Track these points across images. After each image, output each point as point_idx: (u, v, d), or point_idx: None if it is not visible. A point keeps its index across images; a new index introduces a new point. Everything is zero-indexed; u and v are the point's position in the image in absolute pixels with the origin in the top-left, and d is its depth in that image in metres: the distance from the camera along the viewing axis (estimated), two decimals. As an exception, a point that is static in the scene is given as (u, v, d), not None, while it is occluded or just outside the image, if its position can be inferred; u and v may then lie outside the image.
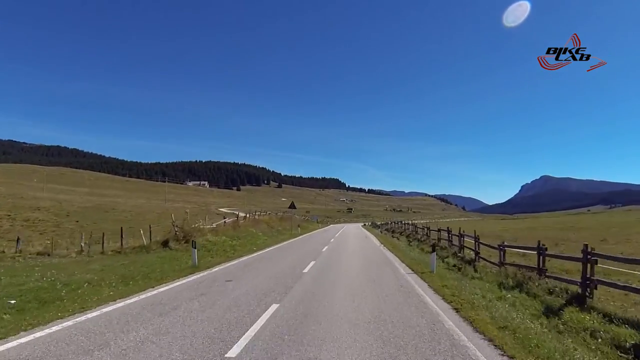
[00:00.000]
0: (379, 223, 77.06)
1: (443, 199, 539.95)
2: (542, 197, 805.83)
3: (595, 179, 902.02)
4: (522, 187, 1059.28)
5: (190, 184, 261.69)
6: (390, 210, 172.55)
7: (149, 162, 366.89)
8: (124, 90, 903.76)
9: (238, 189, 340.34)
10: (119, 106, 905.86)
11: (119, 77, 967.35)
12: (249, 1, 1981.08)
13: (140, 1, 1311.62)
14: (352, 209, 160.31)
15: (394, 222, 59.93)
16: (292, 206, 37.90)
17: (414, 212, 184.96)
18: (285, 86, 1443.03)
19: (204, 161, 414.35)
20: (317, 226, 63.57)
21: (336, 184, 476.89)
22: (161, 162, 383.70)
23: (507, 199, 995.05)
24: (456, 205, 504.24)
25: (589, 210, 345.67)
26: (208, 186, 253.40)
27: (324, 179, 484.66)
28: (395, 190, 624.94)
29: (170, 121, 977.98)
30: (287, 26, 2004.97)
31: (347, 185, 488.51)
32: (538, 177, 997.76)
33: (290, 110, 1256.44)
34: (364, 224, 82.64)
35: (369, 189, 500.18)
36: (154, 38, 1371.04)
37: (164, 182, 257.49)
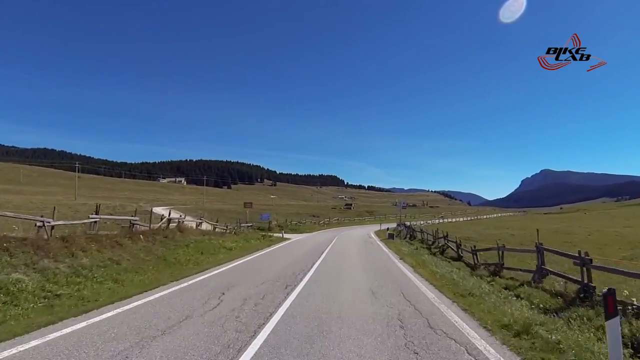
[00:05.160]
0: (423, 223, 33.75)
1: (446, 194, 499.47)
2: (544, 191, 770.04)
3: (596, 172, 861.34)
4: (522, 181, 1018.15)
5: (165, 180, 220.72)
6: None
7: (136, 162, 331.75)
8: (119, 94, 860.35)
9: (229, 187, 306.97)
10: (113, 110, 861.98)
11: (115, 81, 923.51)
12: (244, 4, 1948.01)
13: (133, 5, 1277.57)
14: (351, 205, 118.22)
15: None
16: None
17: (430, 207, 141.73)
18: (283, 87, 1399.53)
19: (194, 160, 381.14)
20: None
21: (334, 182, 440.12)
22: (149, 161, 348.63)
23: (507, 194, 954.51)
24: (460, 200, 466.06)
25: (604, 203, 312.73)
26: (185, 183, 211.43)
27: (321, 176, 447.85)
28: (394, 187, 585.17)
29: (167, 124, 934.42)
30: (285, 28, 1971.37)
31: (345, 183, 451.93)
32: (538, 171, 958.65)
33: (288, 111, 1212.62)
34: (391, 234, 31.90)
35: (368, 186, 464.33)
36: (148, 41, 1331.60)
37: (131, 179, 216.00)
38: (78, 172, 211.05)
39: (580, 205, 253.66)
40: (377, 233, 39.24)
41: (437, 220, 66.02)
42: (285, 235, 33.46)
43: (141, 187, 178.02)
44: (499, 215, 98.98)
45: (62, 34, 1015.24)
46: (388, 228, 40.21)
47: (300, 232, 41.81)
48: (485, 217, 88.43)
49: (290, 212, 77.95)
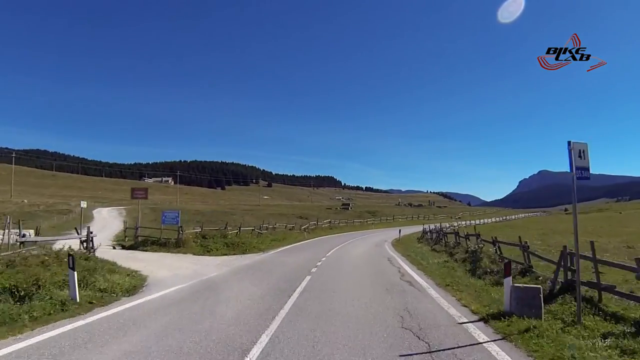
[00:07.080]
0: (449, 226, 16.53)
1: (445, 195, 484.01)
2: (542, 192, 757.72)
3: (594, 173, 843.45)
4: (519, 182, 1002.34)
5: (151, 180, 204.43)
6: (405, 206, 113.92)
7: (129, 163, 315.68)
8: (116, 98, 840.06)
9: (222, 188, 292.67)
10: (109, 113, 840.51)
11: (114, 85, 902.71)
12: (244, 10, 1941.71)
13: (127, 15, 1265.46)
14: (349, 205, 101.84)
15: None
16: None
17: (437, 207, 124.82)
18: (284, 92, 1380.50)
19: (188, 161, 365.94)
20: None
21: (332, 182, 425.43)
22: (141, 162, 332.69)
23: (505, 195, 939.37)
24: (460, 201, 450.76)
25: (607, 203, 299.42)
26: (172, 183, 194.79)
27: (318, 177, 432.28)
28: (392, 189, 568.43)
29: (164, 127, 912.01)
30: (288, 31, 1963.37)
31: (343, 184, 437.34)
32: (536, 172, 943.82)
33: (282, 110, 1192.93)
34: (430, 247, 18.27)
35: (366, 187, 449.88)
36: (148, 44, 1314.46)
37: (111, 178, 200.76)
38: (54, 168, 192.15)
39: (583, 206, 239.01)
40: (407, 255, 18.73)
41: (463, 223, 49.49)
42: (165, 272, 12.76)
43: (120, 187, 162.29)
44: (526, 215, 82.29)
45: (49, 37, 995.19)
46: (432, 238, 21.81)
47: (246, 251, 20.60)
48: (513, 217, 71.88)
49: (272, 213, 60.82)
